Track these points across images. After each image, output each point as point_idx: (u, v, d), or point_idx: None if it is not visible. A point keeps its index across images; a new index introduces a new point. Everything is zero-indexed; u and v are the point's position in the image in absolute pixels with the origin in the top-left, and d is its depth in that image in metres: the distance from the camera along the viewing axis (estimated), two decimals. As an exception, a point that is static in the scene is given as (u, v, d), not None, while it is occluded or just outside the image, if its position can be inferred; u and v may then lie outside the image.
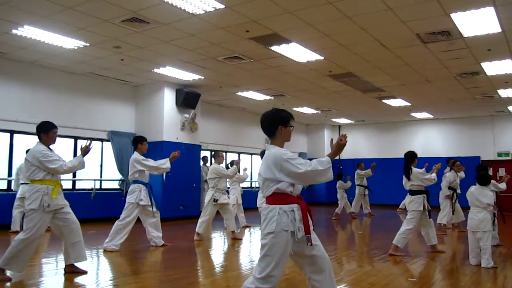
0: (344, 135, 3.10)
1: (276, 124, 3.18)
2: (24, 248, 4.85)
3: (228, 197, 8.78)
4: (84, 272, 5.26)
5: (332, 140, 3.19)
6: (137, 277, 5.37)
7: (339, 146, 3.09)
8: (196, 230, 8.24)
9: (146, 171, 7.19)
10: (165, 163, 7.11)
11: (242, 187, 10.85)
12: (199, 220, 8.30)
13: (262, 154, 6.72)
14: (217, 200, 8.18)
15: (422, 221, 6.95)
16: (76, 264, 5.27)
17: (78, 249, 5.22)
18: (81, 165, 5.25)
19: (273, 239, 2.98)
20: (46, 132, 5.13)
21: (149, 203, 7.11)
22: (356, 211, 13.65)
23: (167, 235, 7.68)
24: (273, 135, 3.20)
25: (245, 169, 10.21)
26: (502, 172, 15.93)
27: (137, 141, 7.28)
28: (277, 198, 3.08)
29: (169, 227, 9.52)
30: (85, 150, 5.25)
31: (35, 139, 5.21)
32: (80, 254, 5.25)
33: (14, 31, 7.72)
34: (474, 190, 6.13)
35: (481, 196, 6.03)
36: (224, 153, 9.09)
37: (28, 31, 7.73)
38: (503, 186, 7.65)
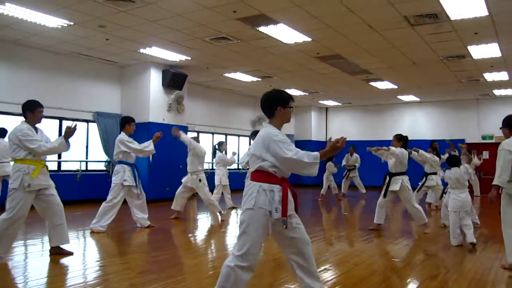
0: (343, 139, 3.06)
1: (275, 104, 3.19)
2: (7, 228, 4.80)
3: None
4: (70, 253, 5.25)
5: (330, 138, 3.16)
6: (124, 258, 5.39)
7: (334, 147, 3.07)
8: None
9: (138, 153, 7.18)
10: (148, 146, 7.07)
11: (229, 169, 10.90)
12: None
13: (252, 135, 6.83)
14: None
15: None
16: (62, 246, 5.26)
17: (60, 232, 5.17)
18: (63, 147, 5.14)
19: (251, 215, 3.01)
20: (31, 110, 5.03)
21: (134, 184, 7.05)
22: (345, 191, 14.01)
23: (153, 216, 7.70)
24: (272, 115, 3.21)
25: (233, 154, 10.38)
26: (486, 155, 16.19)
27: (125, 122, 7.23)
28: (259, 175, 3.10)
29: (155, 208, 9.53)
30: (68, 133, 5.10)
31: (19, 120, 5.11)
32: (62, 237, 5.20)
33: (-5, 9, 7.53)
34: (451, 173, 6.29)
35: (460, 177, 6.21)
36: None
37: (10, 9, 7.53)
38: (476, 161, 7.84)
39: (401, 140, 7.37)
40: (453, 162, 6.42)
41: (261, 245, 3.08)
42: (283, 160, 3.01)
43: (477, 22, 7.90)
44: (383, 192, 7.31)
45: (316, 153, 3.04)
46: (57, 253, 5.20)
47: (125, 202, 7.20)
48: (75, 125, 5.17)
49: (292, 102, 3.24)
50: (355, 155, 13.84)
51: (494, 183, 4.72)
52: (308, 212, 10.41)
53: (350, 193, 14.35)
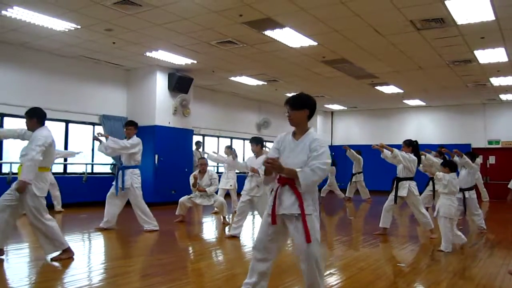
0: (273, 160, 3.13)
1: None
2: None
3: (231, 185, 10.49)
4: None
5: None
6: (128, 261, 5.39)
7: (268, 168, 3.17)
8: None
9: (123, 154, 7.34)
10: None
11: (237, 173, 10.95)
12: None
13: (251, 140, 6.87)
14: None
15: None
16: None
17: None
18: None
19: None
20: None
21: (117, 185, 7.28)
22: (350, 195, 14.21)
23: (158, 219, 7.68)
24: None
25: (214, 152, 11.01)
26: (492, 160, 16.12)
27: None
28: None
29: (161, 212, 9.53)
30: None
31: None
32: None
33: (3, 12, 7.58)
34: (452, 179, 6.15)
35: (456, 182, 6.13)
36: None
37: (18, 12, 7.59)
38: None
39: (411, 145, 7.29)
40: (450, 166, 6.28)
41: (266, 240, 3.25)
42: None
43: (484, 26, 7.87)
44: (392, 197, 7.24)
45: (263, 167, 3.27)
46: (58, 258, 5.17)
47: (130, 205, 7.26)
48: None
49: (286, 106, 3.38)
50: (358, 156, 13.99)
51: (510, 186, 4.85)
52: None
53: (357, 197, 14.33)
